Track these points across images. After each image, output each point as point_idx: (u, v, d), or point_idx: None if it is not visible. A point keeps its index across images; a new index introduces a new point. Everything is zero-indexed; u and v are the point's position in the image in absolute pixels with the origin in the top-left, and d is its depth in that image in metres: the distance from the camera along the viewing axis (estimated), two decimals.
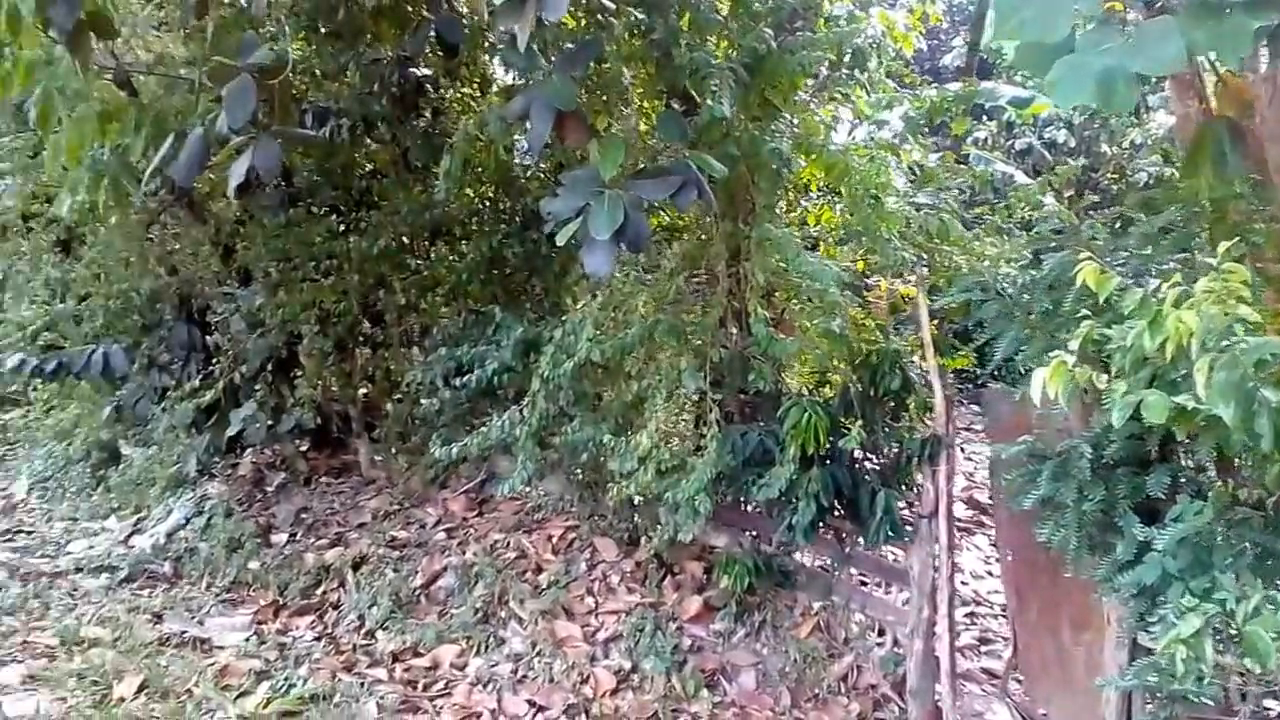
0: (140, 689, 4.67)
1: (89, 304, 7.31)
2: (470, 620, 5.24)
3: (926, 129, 5.13)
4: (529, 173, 6.09)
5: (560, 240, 3.40)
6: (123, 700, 4.57)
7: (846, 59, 4.47)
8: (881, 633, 4.74)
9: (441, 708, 4.55)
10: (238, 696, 4.68)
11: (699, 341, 4.52)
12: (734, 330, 4.68)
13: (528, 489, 5.83)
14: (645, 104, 4.71)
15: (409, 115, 5.85)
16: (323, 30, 5.52)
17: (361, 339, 6.54)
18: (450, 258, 6.14)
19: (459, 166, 4.64)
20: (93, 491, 8.17)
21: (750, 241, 4.38)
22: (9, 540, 7.45)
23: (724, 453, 4.31)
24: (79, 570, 6.51)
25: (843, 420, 4.18)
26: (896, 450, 4.24)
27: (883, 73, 4.87)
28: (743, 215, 4.54)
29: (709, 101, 4.04)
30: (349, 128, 5.50)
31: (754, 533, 4.95)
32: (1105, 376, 2.71)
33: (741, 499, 4.85)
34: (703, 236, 4.73)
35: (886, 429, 4.24)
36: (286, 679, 4.82)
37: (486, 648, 5.00)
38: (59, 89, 4.35)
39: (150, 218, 6.80)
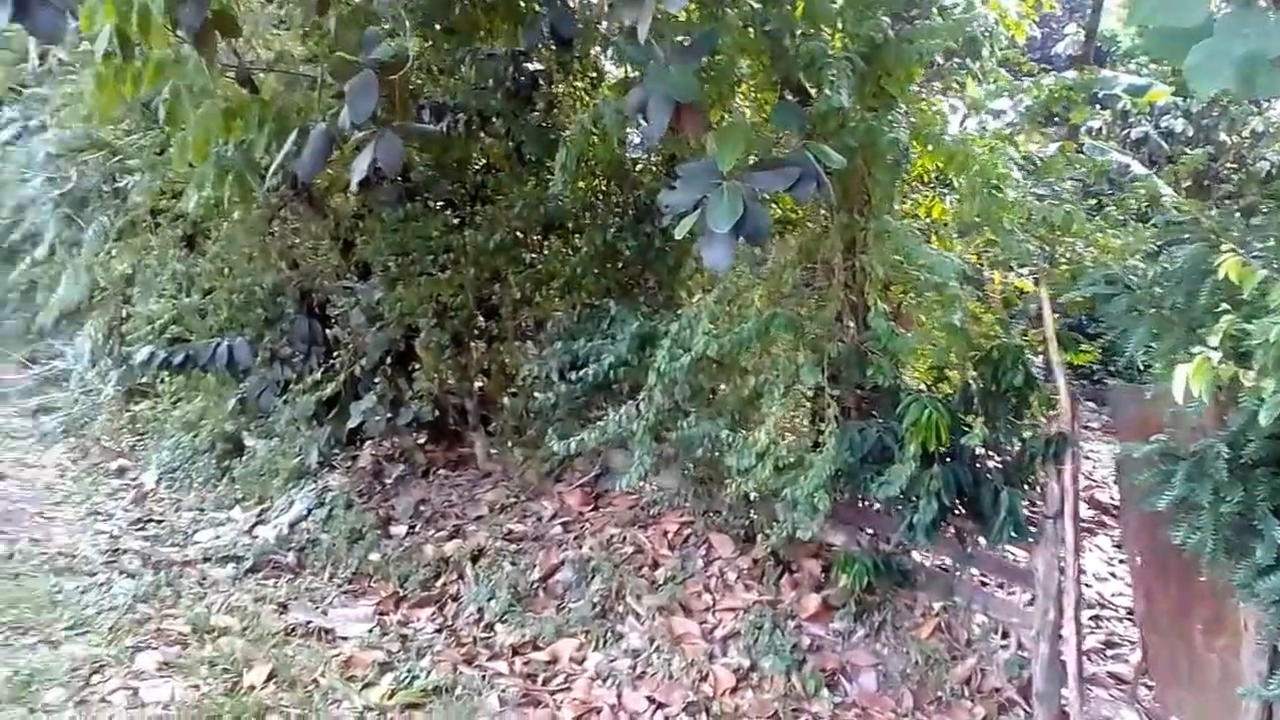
0: (269, 678, 5.01)
1: (213, 298, 7.83)
2: (588, 615, 5.49)
3: (1043, 119, 5.16)
4: (641, 166, 6.31)
5: (679, 233, 3.56)
6: (253, 689, 4.90)
7: (962, 47, 4.54)
8: (1005, 635, 4.83)
9: (562, 702, 4.82)
10: (363, 687, 4.99)
11: (815, 336, 4.67)
12: (850, 324, 4.81)
13: (643, 484, 6.05)
14: (758, 95, 4.86)
15: (523, 110, 6.14)
16: (437, 27, 5.81)
17: (477, 333, 6.88)
18: (564, 251, 6.42)
19: (574, 160, 4.88)
20: (218, 482, 8.73)
21: (867, 234, 4.51)
22: (140, 529, 8.00)
23: (842, 449, 4.45)
24: (207, 559, 6.95)
25: (963, 417, 4.28)
26: (1019, 448, 4.32)
27: (994, 61, 4.92)
28: (858, 207, 4.66)
29: (826, 91, 4.17)
30: (464, 123, 5.80)
31: (872, 531, 5.08)
32: (1251, 374, 2.74)
33: (859, 497, 4.98)
34: (817, 229, 4.87)
35: (1008, 426, 4.32)
36: (409, 670, 5.13)
37: (605, 643, 5.25)
38: (187, 87, 4.73)
39: (271, 213, 7.26)
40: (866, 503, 5.04)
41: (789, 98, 4.78)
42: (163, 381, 9.51)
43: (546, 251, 6.59)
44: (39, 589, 5.92)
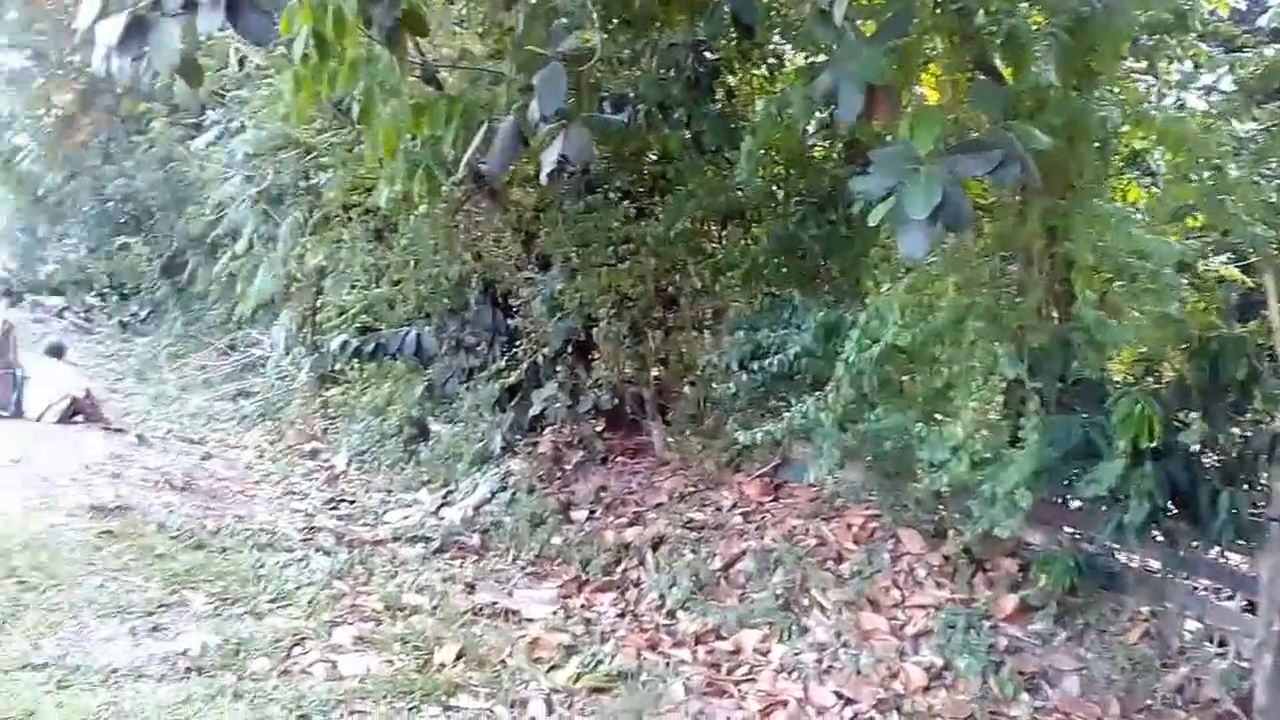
0: (458, 656, 5.12)
1: (402, 288, 8.14)
2: (772, 606, 5.44)
3: (1263, 95, 4.78)
4: (822, 153, 6.19)
5: (873, 220, 3.44)
6: (443, 666, 5.02)
7: (1170, 20, 4.25)
8: (1222, 643, 4.54)
9: (747, 693, 4.80)
10: (549, 669, 5.06)
11: (1015, 326, 4.48)
12: (1053, 314, 4.60)
13: (826, 476, 5.96)
14: (947, 77, 4.69)
15: (703, 99, 6.11)
16: (617, 20, 5.84)
17: (655, 322, 6.90)
18: (744, 241, 6.37)
19: (759, 147, 4.81)
20: (405, 465, 9.08)
21: (1073, 218, 4.29)
22: (334, 508, 8.39)
23: (1044, 445, 4.27)
24: (396, 539, 7.23)
25: (1176, 412, 4.04)
26: (1240, 446, 4.04)
27: (1196, 35, 4.58)
28: (1060, 191, 4.44)
29: (1033, 69, 3.98)
30: (645, 114, 5.81)
31: (1073, 530, 4.86)
32: None
33: (1059, 494, 4.77)
34: (1013, 215, 4.67)
35: (1228, 422, 4.05)
36: (594, 655, 5.19)
37: (789, 635, 5.20)
38: (379, 85, 4.87)
39: (456, 207, 7.48)
40: (1066, 500, 4.81)
41: (982, 78, 4.59)
42: (353, 368, 9.94)
43: (725, 241, 6.56)
44: (244, 563, 6.26)
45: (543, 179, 4.01)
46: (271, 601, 5.66)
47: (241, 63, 8.99)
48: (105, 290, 21.66)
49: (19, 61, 13.78)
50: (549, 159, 3.96)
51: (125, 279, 20.70)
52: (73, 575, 5.57)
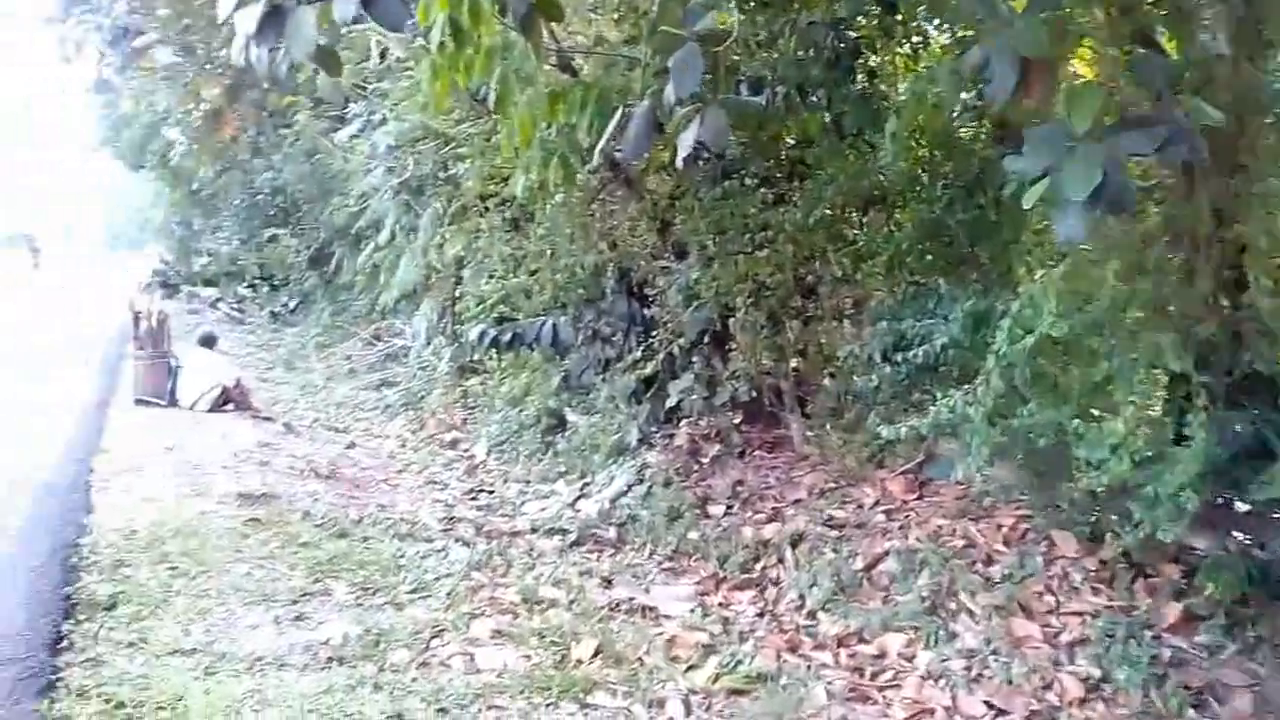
0: (595, 653, 5.11)
1: (538, 278, 8.25)
2: (917, 609, 5.31)
3: None
4: (970, 133, 5.97)
5: (1027, 203, 3.31)
6: (580, 663, 5.02)
7: None
8: None
9: (891, 700, 4.69)
10: (687, 669, 5.02)
11: (1181, 315, 4.23)
12: (1223, 302, 4.33)
13: (976, 474, 5.76)
14: (1107, 50, 4.44)
15: (844, 80, 5.97)
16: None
17: (793, 312, 6.80)
18: (887, 227, 6.21)
19: (905, 129, 4.67)
20: (542, 456, 9.21)
21: (1244, 199, 4.03)
22: (473, 499, 8.56)
23: (1213, 443, 4.03)
24: (534, 531, 7.32)
25: None
26: None
27: None
28: (1230, 170, 4.16)
29: (1200, 39, 3.74)
30: (783, 96, 5.72)
31: (1244, 535, 4.57)
32: None
33: (1229, 496, 4.50)
34: (1179, 196, 4.40)
35: None
36: (733, 655, 5.14)
37: (936, 640, 5.05)
38: (515, 72, 4.92)
39: (591, 195, 7.53)
40: (1234, 503, 4.53)
41: (1142, 51, 4.34)
42: (491, 358, 10.13)
43: (867, 228, 6.41)
44: (385, 552, 6.41)
45: (678, 164, 3.98)
46: (411, 592, 5.79)
47: (382, 55, 9.25)
48: (256, 281, 22.72)
49: (168, 56, 14.46)
50: (685, 144, 3.91)
51: (275, 270, 21.67)
52: (221, 562, 5.80)
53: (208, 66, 13.53)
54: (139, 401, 10.73)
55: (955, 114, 5.84)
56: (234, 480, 7.57)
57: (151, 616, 4.98)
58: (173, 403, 10.72)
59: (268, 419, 10.82)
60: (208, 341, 11.57)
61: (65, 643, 4.65)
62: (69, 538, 6.03)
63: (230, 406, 10.83)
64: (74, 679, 4.27)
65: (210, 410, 10.62)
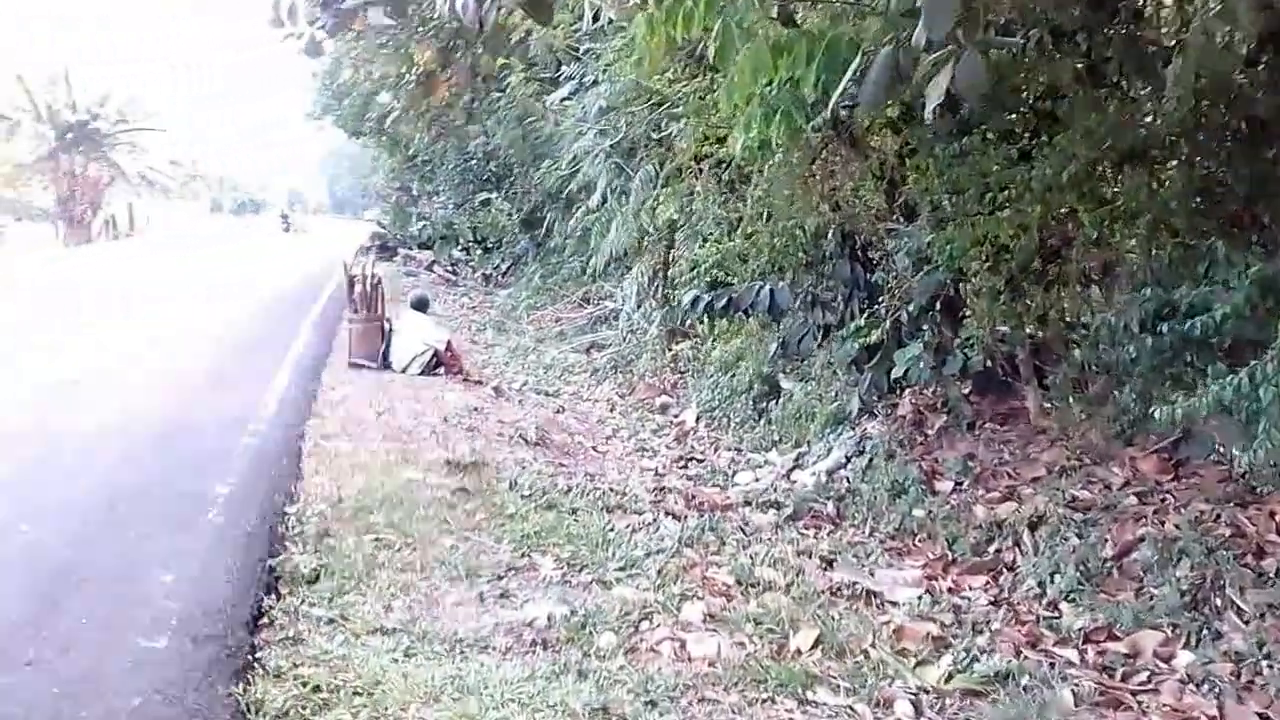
0: (815, 643, 4.79)
1: (755, 241, 8.09)
2: (1175, 604, 4.90)
3: None
4: (1250, 79, 5.37)
5: None
6: (799, 653, 4.72)
7: None
8: None
9: (1148, 706, 4.31)
10: (916, 665, 4.67)
11: None
12: None
13: (1242, 454, 5.25)
14: None
15: (1108, 21, 5.47)
16: None
17: (1034, 276, 6.38)
18: (1149, 184, 5.69)
19: (1191, 73, 4.21)
20: (755, 423, 9.10)
21: None
22: (683, 467, 8.53)
23: None
24: (747, 503, 7.17)
25: None
26: None
27: None
28: None
29: None
30: (1036, 40, 5.29)
31: None
32: None
33: None
34: None
35: None
36: (967, 650, 4.77)
37: (1198, 640, 4.65)
38: (736, 23, 4.73)
39: (813, 154, 7.29)
40: None
41: None
42: (702, 322, 10.03)
43: (1124, 185, 5.90)
44: (593, 525, 6.29)
45: (927, 115, 3.69)
46: (620, 570, 5.61)
47: (596, 15, 9.24)
48: (469, 244, 23.46)
49: (379, 17, 14.90)
50: (935, 93, 3.60)
51: (488, 233, 22.35)
52: (426, 534, 5.78)
53: (420, 28, 13.87)
54: (353, 364, 11.16)
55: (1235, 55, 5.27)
56: (443, 446, 7.71)
57: (354, 591, 4.94)
58: (385, 366, 11.11)
59: (478, 382, 11.11)
60: (421, 305, 11.94)
61: (265, 619, 4.63)
62: (278, 505, 6.18)
63: (441, 370, 11.18)
64: (270, 659, 4.20)
65: (421, 374, 10.98)
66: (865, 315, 7.23)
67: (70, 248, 37.82)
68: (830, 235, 7.62)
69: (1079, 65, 5.65)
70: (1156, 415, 4.82)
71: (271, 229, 52.09)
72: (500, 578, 5.33)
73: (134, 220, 49.36)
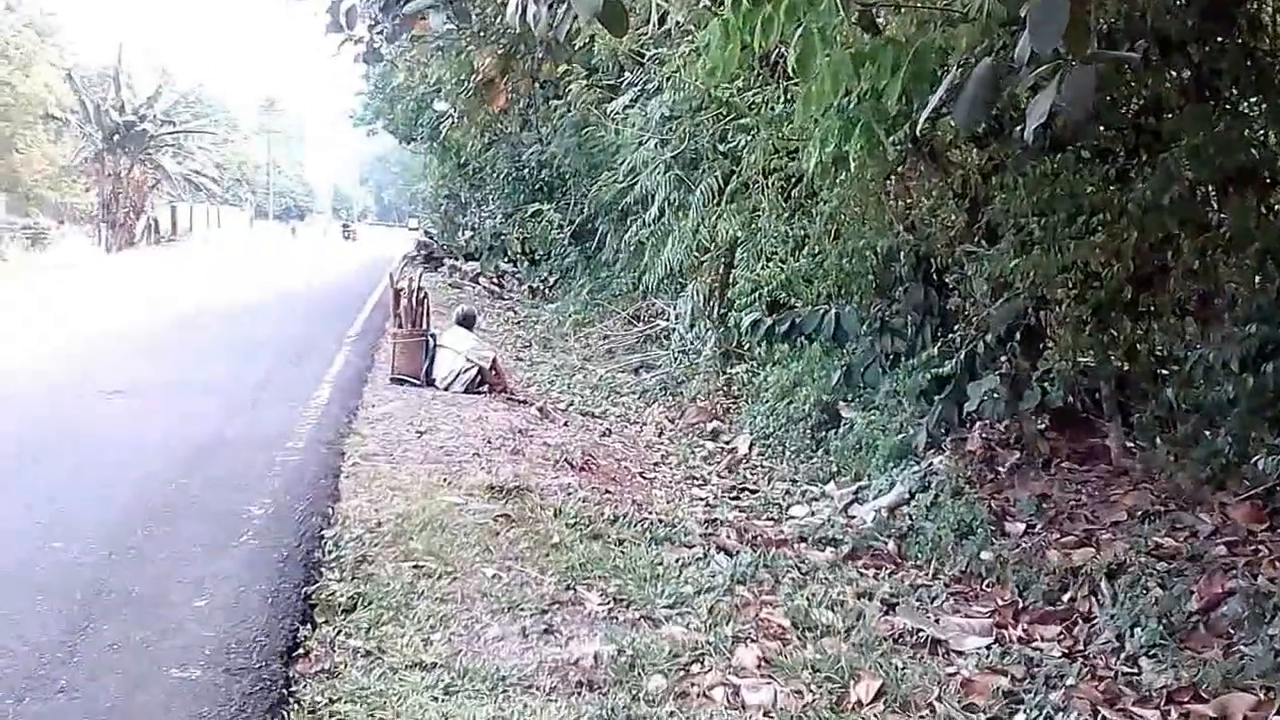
0: (878, 694, 4.65)
1: (821, 262, 7.95)
2: (1269, 665, 4.69)
3: None
4: None
5: None
6: (860, 705, 4.57)
7: None
8: None
9: None
10: None
11: None
12: None
13: None
14: None
15: (1221, 30, 5.29)
16: None
17: (1124, 306, 6.20)
18: (1260, 209, 5.50)
19: None
20: (812, 453, 8.99)
21: None
22: (735, 498, 8.41)
23: None
24: (803, 539, 7.06)
25: None
26: None
27: None
28: None
29: None
30: (1143, 51, 5.12)
31: None
32: None
33: None
34: None
35: None
36: (1040, 706, 4.56)
37: None
38: (818, 30, 4.61)
39: (889, 170, 7.15)
40: None
41: None
42: (760, 346, 9.90)
43: (1232, 209, 5.70)
44: (641, 558, 6.17)
45: (1027, 134, 3.53)
46: (669, 607, 5.47)
47: (662, 19, 9.17)
48: (517, 256, 23.54)
49: (442, 23, 14.99)
50: (1038, 110, 3.44)
51: (536, 245, 22.39)
52: (467, 562, 5.67)
53: (482, 34, 13.92)
54: (395, 380, 11.13)
55: None
56: (485, 470, 7.63)
57: (392, 622, 4.85)
58: (429, 382, 11.07)
59: (522, 402, 11.06)
60: (467, 321, 11.90)
61: (300, 650, 4.57)
62: (314, 528, 6.09)
63: (485, 388, 11.14)
64: (306, 694, 4.15)
65: (465, 391, 10.94)
66: (938, 344, 7.07)
67: (111, 254, 38.34)
68: (903, 257, 7.49)
69: (1187, 78, 5.48)
70: (1259, 464, 4.62)
71: (318, 236, 52.89)
72: (544, 612, 5.18)
73: (177, 225, 50.18)
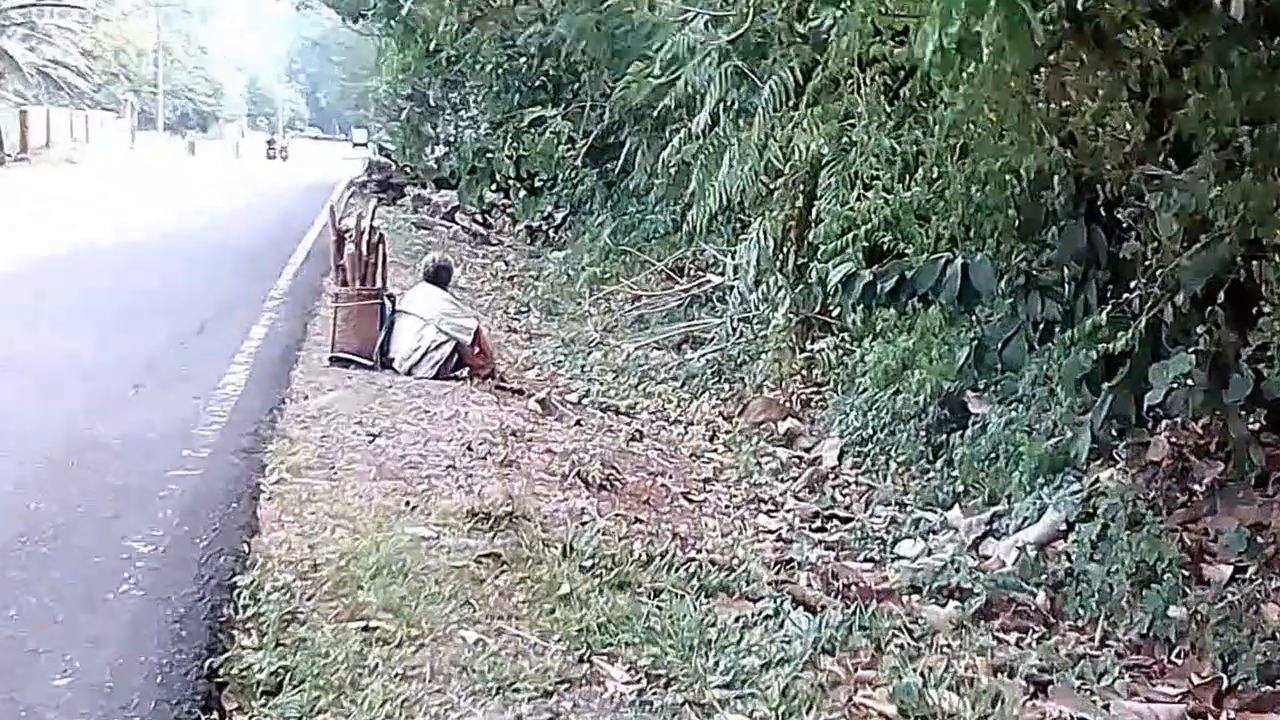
0: None
1: (942, 192, 7.92)
2: None
3: None
4: None
5: None
6: None
7: None
8: None
9: None
10: None
11: None
12: None
13: None
14: None
15: None
16: None
17: None
18: None
19: None
20: (928, 464, 9.08)
21: None
22: (819, 529, 8.53)
23: None
24: (915, 588, 7.13)
25: None
26: None
27: None
28: None
29: None
30: None
31: None
32: None
33: None
34: None
35: None
36: None
37: None
38: None
39: (1039, 59, 7.13)
40: None
41: None
42: (855, 311, 9.91)
43: None
44: (686, 617, 6.10)
45: (1235, 8, 3.55)
46: (725, 687, 5.39)
47: None
48: (510, 182, 23.53)
49: None
50: None
51: (537, 167, 22.34)
52: (439, 624, 5.61)
53: None
54: (336, 359, 11.24)
55: None
56: (465, 489, 7.67)
57: (333, 709, 4.79)
58: (385, 364, 11.20)
59: (517, 391, 11.16)
60: (439, 276, 11.93)
61: None
62: (223, 572, 6.08)
63: (464, 372, 11.26)
64: None
65: (436, 377, 11.06)
66: (1107, 308, 7.07)
67: None
68: (1058, 184, 7.47)
69: None
70: None
71: (227, 154, 53.17)
72: (548, 694, 5.15)
73: (28, 137, 50.44)
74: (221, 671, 5.07)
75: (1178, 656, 6.23)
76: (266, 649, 5.23)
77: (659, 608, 6.22)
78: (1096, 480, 7.59)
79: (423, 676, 5.13)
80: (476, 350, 11.28)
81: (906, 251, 8.54)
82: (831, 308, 10.84)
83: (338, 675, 5.02)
